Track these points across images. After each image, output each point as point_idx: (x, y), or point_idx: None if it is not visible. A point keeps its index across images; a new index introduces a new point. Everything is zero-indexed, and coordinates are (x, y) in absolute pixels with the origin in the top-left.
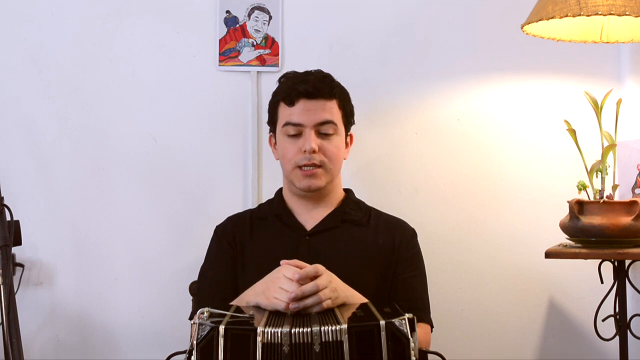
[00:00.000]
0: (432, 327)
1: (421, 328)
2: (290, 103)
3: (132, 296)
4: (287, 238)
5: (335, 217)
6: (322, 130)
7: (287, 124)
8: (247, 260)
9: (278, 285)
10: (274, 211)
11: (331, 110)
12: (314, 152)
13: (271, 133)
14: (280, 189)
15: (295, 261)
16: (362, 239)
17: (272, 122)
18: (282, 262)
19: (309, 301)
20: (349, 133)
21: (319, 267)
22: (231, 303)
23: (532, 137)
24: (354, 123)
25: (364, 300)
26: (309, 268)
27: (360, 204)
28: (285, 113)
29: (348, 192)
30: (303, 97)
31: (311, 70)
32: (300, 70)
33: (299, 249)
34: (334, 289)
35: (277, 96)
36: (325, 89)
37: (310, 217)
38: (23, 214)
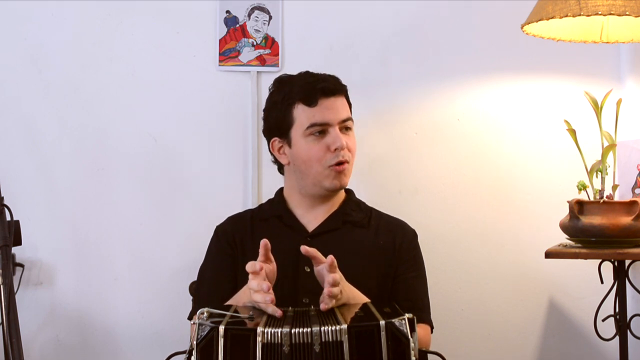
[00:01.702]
0: (432, 328)
1: (421, 328)
2: (312, 103)
3: (132, 296)
4: (288, 239)
5: (337, 219)
6: (344, 126)
7: (313, 125)
8: (247, 261)
9: (248, 287)
10: (275, 212)
11: (345, 106)
12: (343, 148)
13: (275, 138)
14: (281, 189)
15: (314, 251)
16: (363, 240)
17: (281, 126)
18: (301, 248)
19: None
20: None
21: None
22: (227, 303)
23: (532, 137)
24: None
25: (367, 300)
26: (336, 275)
27: (361, 204)
28: (307, 114)
29: (349, 192)
30: (323, 96)
31: (311, 72)
32: (302, 69)
33: (300, 250)
34: (341, 290)
35: (291, 99)
36: (338, 85)
37: (312, 217)
38: (23, 214)
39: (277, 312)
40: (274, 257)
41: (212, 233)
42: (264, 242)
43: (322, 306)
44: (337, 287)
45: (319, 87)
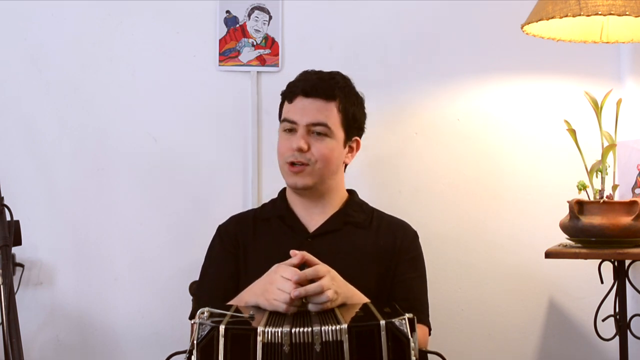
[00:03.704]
0: (430, 329)
1: (419, 328)
2: (290, 100)
3: (132, 296)
4: (289, 240)
5: (338, 220)
6: (313, 130)
7: (284, 120)
8: (249, 261)
9: (276, 287)
10: (277, 212)
11: (327, 112)
12: (301, 150)
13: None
14: (284, 189)
15: (304, 253)
16: (364, 241)
17: (279, 119)
18: (291, 252)
19: (312, 299)
20: (353, 138)
21: (319, 269)
22: (229, 303)
23: (532, 137)
24: (362, 130)
25: (366, 299)
26: (309, 271)
27: (363, 205)
28: (285, 110)
29: (352, 193)
30: (300, 95)
31: (321, 70)
32: (302, 69)
33: (301, 250)
34: (335, 290)
35: (283, 94)
36: (325, 89)
37: (312, 218)
38: (23, 214)
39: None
40: (275, 258)
41: (214, 232)
42: (303, 255)
43: (311, 306)
44: (325, 292)
45: (299, 85)
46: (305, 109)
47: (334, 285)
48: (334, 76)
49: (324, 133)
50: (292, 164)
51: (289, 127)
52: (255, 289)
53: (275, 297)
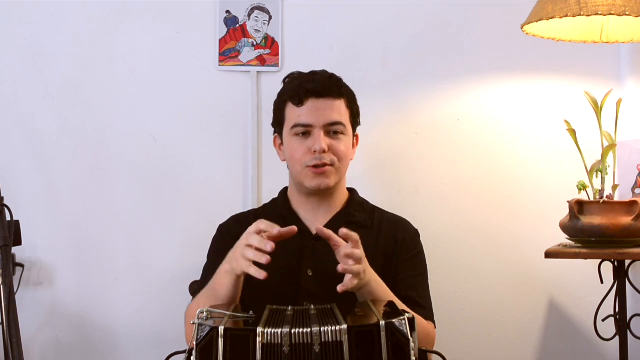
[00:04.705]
0: (434, 326)
1: (428, 325)
2: (299, 103)
3: (132, 296)
4: (292, 241)
5: (340, 220)
6: (331, 130)
7: (296, 125)
8: None
9: (244, 244)
10: (279, 213)
11: (339, 110)
12: (323, 152)
13: (276, 134)
14: (285, 189)
15: (330, 232)
16: (366, 242)
17: (279, 123)
18: (316, 227)
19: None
20: (355, 134)
21: (359, 241)
22: (210, 282)
23: (532, 138)
24: (359, 124)
25: (386, 288)
26: (354, 235)
27: (364, 204)
28: (294, 114)
29: (352, 192)
30: (312, 96)
31: (317, 70)
32: (302, 69)
33: (303, 252)
34: (364, 269)
35: (284, 96)
36: (334, 87)
37: (315, 219)
38: (23, 214)
39: (262, 274)
40: (277, 259)
41: (214, 232)
42: (293, 229)
43: (340, 288)
44: (358, 264)
45: (309, 87)
46: (320, 110)
47: (364, 264)
48: (332, 74)
49: (341, 132)
50: (315, 166)
51: (303, 131)
52: (229, 255)
53: (244, 254)
